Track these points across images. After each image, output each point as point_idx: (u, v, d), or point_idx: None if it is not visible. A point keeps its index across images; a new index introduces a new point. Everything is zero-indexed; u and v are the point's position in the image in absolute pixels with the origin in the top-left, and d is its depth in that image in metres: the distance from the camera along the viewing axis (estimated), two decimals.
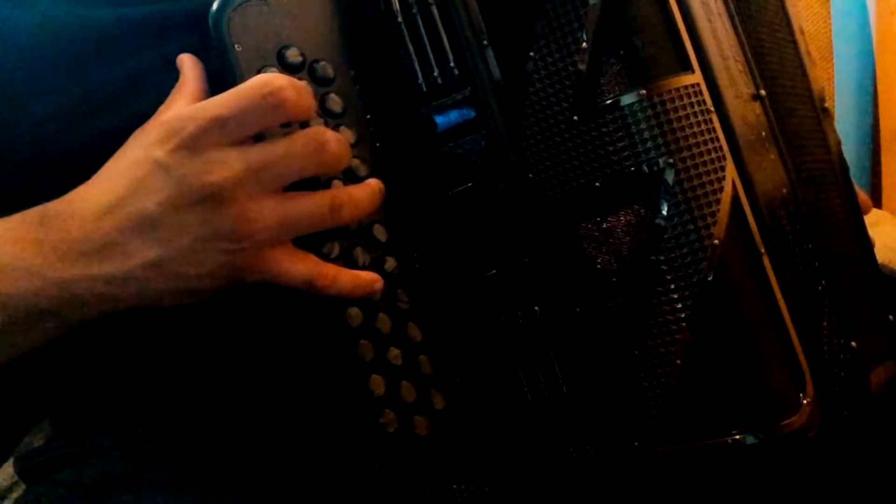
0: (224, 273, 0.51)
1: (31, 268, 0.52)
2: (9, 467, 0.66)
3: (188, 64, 0.56)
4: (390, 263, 0.56)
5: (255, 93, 0.50)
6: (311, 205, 0.52)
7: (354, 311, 0.54)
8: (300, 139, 0.51)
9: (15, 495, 0.75)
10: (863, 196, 0.71)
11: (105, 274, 0.51)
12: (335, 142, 0.52)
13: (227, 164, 0.49)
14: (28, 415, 0.66)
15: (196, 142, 0.50)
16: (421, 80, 0.56)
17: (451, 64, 0.55)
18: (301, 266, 0.52)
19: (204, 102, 0.52)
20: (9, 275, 0.52)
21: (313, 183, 0.53)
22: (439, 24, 0.55)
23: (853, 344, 0.57)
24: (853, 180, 0.68)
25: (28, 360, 0.57)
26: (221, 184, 0.49)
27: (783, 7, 0.65)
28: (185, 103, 0.54)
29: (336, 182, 0.54)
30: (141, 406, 0.62)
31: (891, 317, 0.64)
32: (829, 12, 1.25)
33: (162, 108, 0.55)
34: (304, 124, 0.53)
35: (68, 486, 0.57)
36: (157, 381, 0.61)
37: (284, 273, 0.52)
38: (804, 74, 0.65)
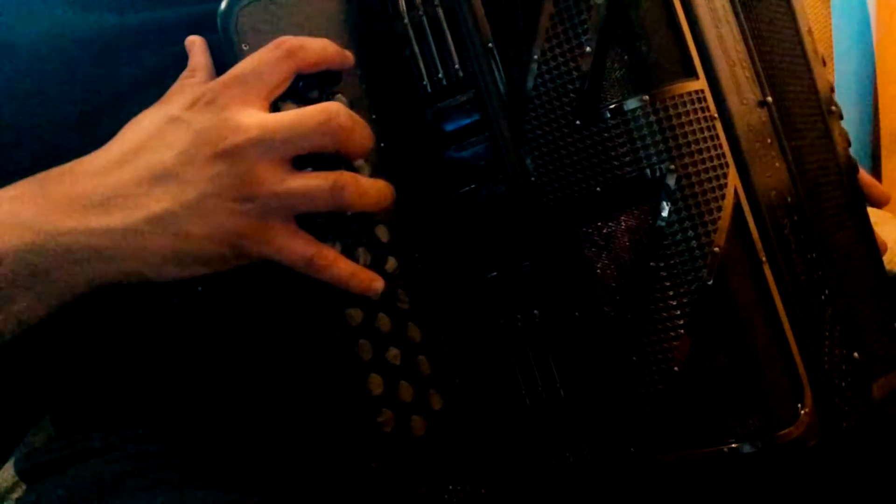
0: (225, 238, 0.51)
1: (26, 221, 0.51)
2: (10, 468, 0.66)
3: (198, 48, 0.57)
4: (391, 263, 0.56)
5: (268, 52, 0.52)
6: (314, 179, 0.52)
7: (354, 311, 0.55)
8: (311, 109, 0.52)
9: (16, 496, 0.75)
10: (878, 188, 0.70)
11: (104, 226, 0.50)
12: (346, 116, 0.52)
13: (244, 124, 0.50)
14: (29, 415, 0.66)
15: (216, 101, 0.51)
16: (426, 81, 0.56)
17: (456, 66, 0.55)
18: (301, 243, 0.52)
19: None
20: (1, 229, 0.50)
21: None
22: (445, 26, 0.55)
23: (855, 355, 0.56)
24: (867, 171, 0.67)
25: (28, 360, 0.57)
26: (238, 142, 0.50)
27: (790, 7, 0.64)
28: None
29: None
30: (141, 406, 0.62)
31: None
32: (829, 12, 1.24)
33: (173, 88, 0.56)
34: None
35: (69, 486, 0.57)
36: (156, 381, 0.61)
37: (285, 248, 0.52)
38: (810, 75, 0.64)
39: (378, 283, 0.54)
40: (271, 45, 0.53)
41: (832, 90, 0.68)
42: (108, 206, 0.51)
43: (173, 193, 0.50)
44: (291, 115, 0.51)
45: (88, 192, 0.51)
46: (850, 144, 0.68)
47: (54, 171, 0.53)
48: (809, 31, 0.66)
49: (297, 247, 0.52)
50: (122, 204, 0.51)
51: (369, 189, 0.53)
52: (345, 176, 0.52)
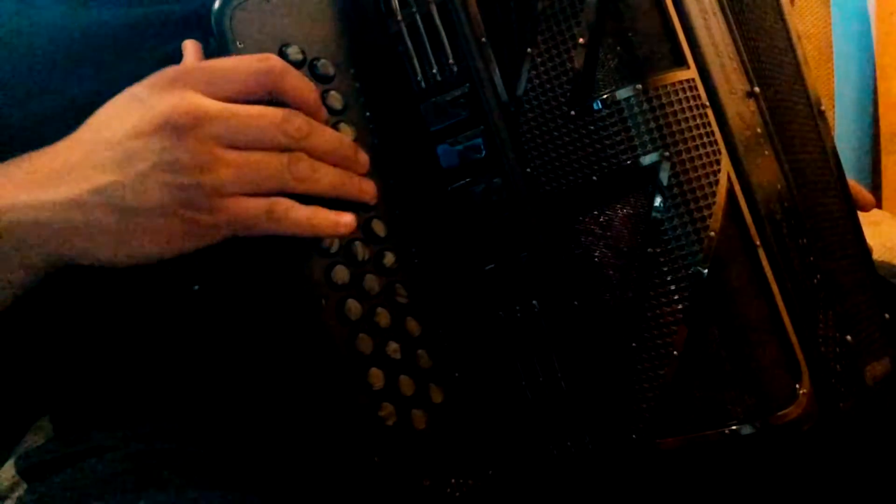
0: (171, 209, 0.50)
1: None
2: (10, 467, 0.66)
3: (190, 50, 0.57)
4: (389, 258, 0.57)
5: (250, 58, 0.52)
6: (269, 156, 0.51)
7: (354, 305, 0.55)
8: (271, 108, 0.52)
9: (16, 495, 0.75)
10: (865, 194, 0.72)
11: (50, 199, 0.50)
12: (303, 120, 0.52)
13: (199, 103, 0.50)
14: (28, 414, 0.66)
15: (179, 80, 0.51)
16: (420, 77, 0.57)
17: (450, 61, 0.56)
18: (253, 202, 0.51)
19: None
20: None
21: None
22: (438, 23, 0.56)
23: (848, 338, 0.57)
24: (854, 179, 0.68)
25: (29, 359, 0.57)
26: (189, 113, 0.49)
27: (781, 14, 0.66)
28: None
29: None
30: (141, 404, 0.62)
31: (887, 315, 0.64)
32: (829, 12, 1.26)
33: None
34: None
35: (69, 485, 0.57)
36: (156, 379, 0.61)
37: (240, 212, 0.50)
38: (801, 78, 0.65)
39: (346, 217, 0.53)
40: (258, 56, 0.52)
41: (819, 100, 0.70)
42: (58, 180, 0.50)
43: (120, 165, 0.49)
44: (255, 109, 0.51)
45: (46, 167, 0.51)
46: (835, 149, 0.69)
47: (25, 155, 0.52)
48: (799, 37, 0.67)
49: (251, 206, 0.51)
50: (70, 178, 0.50)
51: (320, 143, 0.53)
52: (298, 153, 0.52)
